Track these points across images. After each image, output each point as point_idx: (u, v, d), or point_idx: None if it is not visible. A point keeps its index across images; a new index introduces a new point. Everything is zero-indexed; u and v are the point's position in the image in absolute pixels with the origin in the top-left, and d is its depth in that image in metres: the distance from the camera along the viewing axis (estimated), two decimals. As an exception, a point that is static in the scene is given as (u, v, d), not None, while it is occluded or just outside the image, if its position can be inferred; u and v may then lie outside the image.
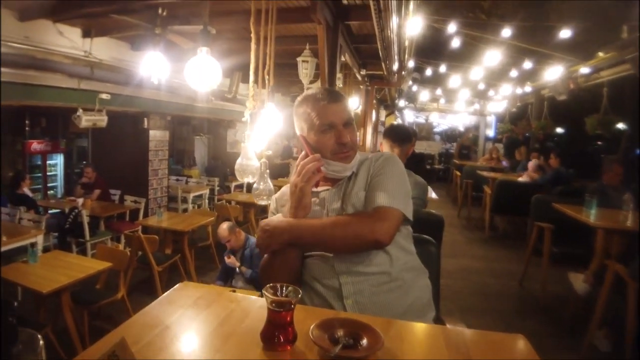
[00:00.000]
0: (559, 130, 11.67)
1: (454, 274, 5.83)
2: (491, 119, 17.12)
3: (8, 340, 0.60)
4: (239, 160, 2.44)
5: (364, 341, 1.04)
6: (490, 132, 17.22)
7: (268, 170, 2.49)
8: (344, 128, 1.53)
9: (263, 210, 8.02)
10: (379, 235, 1.38)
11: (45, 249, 5.34)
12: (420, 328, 1.24)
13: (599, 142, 10.10)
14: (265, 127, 2.66)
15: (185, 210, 8.57)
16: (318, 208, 1.57)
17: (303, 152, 1.56)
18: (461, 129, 19.29)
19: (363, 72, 7.41)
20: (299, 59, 4.70)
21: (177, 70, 4.94)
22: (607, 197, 4.75)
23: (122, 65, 6.21)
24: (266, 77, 2.76)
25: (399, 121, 16.91)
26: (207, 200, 9.48)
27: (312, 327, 1.06)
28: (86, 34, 5.72)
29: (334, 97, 1.56)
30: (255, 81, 2.67)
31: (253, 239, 4.56)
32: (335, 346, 1.00)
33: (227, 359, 0.99)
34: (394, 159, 1.61)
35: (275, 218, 1.53)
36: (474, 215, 9.58)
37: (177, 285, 1.39)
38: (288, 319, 1.04)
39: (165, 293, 1.33)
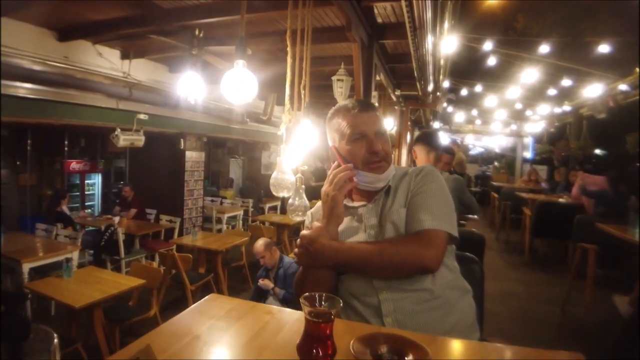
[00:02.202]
0: (600, 149, 11.29)
1: (494, 298, 5.61)
2: (528, 141, 16.75)
3: (19, 336, 0.54)
4: (274, 175, 2.39)
5: (410, 357, 0.96)
6: (528, 154, 16.83)
7: (304, 186, 2.43)
8: (375, 137, 1.48)
9: (296, 232, 7.96)
10: (428, 261, 1.33)
11: (81, 266, 5.39)
12: (469, 346, 1.14)
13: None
14: (301, 143, 2.61)
15: (219, 230, 8.59)
16: (356, 224, 1.51)
17: (335, 163, 1.52)
18: (497, 150, 18.95)
19: (398, 92, 7.37)
20: (334, 78, 4.68)
21: (213, 91, 5.00)
22: None
23: (159, 87, 6.32)
24: (302, 91, 2.72)
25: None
26: (241, 221, 9.49)
27: (353, 341, 0.97)
28: (125, 55, 5.86)
29: (365, 107, 1.53)
30: (291, 95, 2.63)
31: (287, 259, 4.49)
32: (378, 362, 0.92)
33: (260, 373, 0.92)
34: (434, 173, 1.54)
35: (319, 237, 1.42)
36: (512, 239, 9.30)
37: (208, 296, 1.33)
38: (327, 331, 0.96)
39: (196, 303, 1.27)
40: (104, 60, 5.62)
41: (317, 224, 1.49)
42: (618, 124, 8.85)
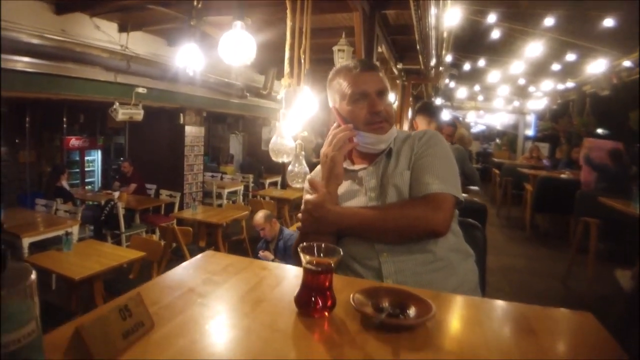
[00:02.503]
0: (603, 126, 11.23)
1: (495, 273, 5.59)
2: (530, 118, 16.65)
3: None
4: (273, 140, 2.34)
5: (412, 310, 0.92)
6: (529, 131, 16.74)
7: (304, 152, 2.39)
8: (377, 97, 1.43)
9: (297, 206, 7.95)
10: (436, 225, 1.29)
11: (81, 241, 5.38)
12: (474, 302, 1.11)
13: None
14: (301, 110, 2.56)
15: (220, 205, 8.57)
16: (357, 187, 1.48)
17: (335, 124, 1.48)
18: (499, 127, 18.85)
19: (399, 65, 7.27)
20: (334, 48, 4.61)
21: (213, 64, 4.93)
22: None
23: (158, 60, 6.23)
24: (302, 56, 2.65)
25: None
26: (241, 197, 9.48)
27: (353, 293, 0.94)
28: (122, 28, 5.76)
29: (368, 66, 1.48)
30: (291, 58, 2.57)
31: (287, 231, 4.48)
32: (379, 314, 0.88)
33: (256, 324, 0.88)
34: (438, 136, 1.51)
35: (324, 202, 1.38)
36: (513, 214, 9.26)
37: (204, 252, 1.30)
38: (327, 282, 0.92)
39: (192, 259, 1.23)
40: (101, 34, 5.53)
41: (317, 181, 1.45)
42: (621, 101, 8.76)
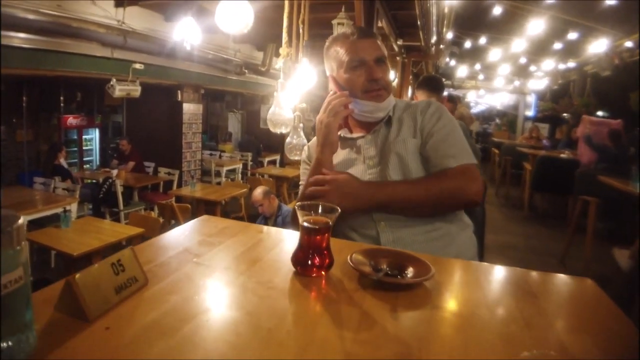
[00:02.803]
0: (603, 107, 11.15)
1: (492, 250, 5.60)
2: (531, 99, 16.55)
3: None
4: (271, 110, 2.30)
5: (410, 271, 0.91)
6: (530, 112, 16.65)
7: (302, 124, 2.36)
8: (375, 65, 1.41)
9: (295, 184, 7.93)
10: (474, 195, 1.32)
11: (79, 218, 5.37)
12: (473, 266, 1.10)
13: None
14: (299, 82, 2.52)
15: (218, 183, 8.55)
16: (355, 155, 1.48)
17: (331, 92, 1.46)
18: (499, 108, 18.77)
19: (400, 42, 7.18)
20: (334, 22, 4.52)
21: (210, 40, 4.85)
22: None
23: (155, 35, 6.14)
24: (300, 25, 2.61)
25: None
26: (240, 175, 9.46)
27: (352, 253, 0.92)
28: (119, 3, 5.65)
29: (365, 33, 1.46)
30: (289, 28, 2.52)
31: (286, 207, 4.47)
32: (377, 273, 0.87)
33: (252, 282, 0.87)
34: (443, 107, 1.50)
35: (352, 179, 1.33)
36: (512, 194, 9.26)
37: (200, 217, 1.28)
38: (324, 241, 0.90)
39: (187, 222, 1.22)
40: (97, 9, 5.42)
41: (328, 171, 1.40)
42: (623, 82, 8.69)
